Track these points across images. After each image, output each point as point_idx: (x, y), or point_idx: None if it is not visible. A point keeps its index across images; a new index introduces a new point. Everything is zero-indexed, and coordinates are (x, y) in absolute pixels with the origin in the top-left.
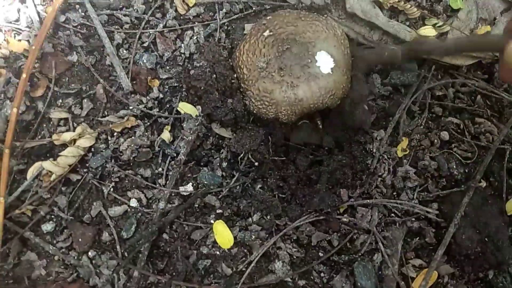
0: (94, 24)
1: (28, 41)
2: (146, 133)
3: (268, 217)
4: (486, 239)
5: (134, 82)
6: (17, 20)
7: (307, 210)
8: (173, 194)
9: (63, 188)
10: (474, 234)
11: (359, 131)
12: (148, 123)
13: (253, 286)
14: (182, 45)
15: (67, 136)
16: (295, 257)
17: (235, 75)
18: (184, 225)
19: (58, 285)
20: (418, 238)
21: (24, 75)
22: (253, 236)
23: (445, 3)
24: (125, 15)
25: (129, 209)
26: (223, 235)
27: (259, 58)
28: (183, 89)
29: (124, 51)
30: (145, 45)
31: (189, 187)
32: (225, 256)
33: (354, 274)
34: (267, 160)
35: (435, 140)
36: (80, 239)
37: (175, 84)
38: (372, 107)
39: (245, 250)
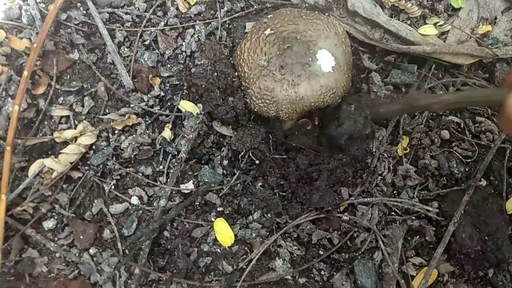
0: (95, 22)
1: (29, 39)
2: (147, 131)
3: (269, 215)
4: (486, 237)
5: (135, 80)
6: (19, 18)
7: (308, 208)
8: (174, 192)
9: (64, 186)
10: (474, 233)
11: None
12: (149, 121)
13: (254, 284)
14: (183, 43)
15: (69, 133)
16: (295, 255)
17: (236, 73)
18: (185, 223)
19: (59, 282)
20: (418, 236)
21: (25, 73)
22: (254, 234)
23: (446, 2)
24: (126, 13)
25: (130, 207)
26: (223, 233)
27: (260, 57)
28: (184, 87)
29: (126, 49)
30: (146, 43)
31: (190, 185)
32: (225, 254)
33: (354, 272)
34: (267, 158)
35: (436, 139)
36: (81, 236)
37: (176, 82)
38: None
39: (246, 248)
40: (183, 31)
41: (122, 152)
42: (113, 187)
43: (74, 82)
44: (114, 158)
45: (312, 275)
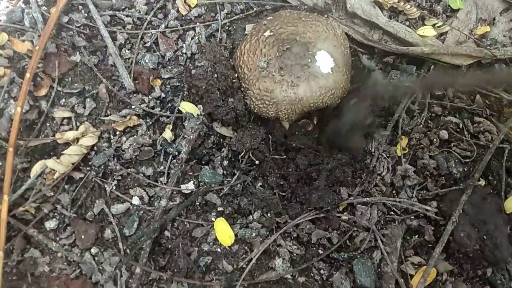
0: (97, 24)
1: (31, 41)
2: (148, 132)
3: (269, 214)
4: (484, 236)
5: (136, 81)
6: (21, 21)
7: (307, 208)
8: (174, 192)
9: (66, 186)
10: (473, 232)
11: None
12: (150, 122)
13: (254, 283)
14: (184, 45)
15: (70, 135)
16: (295, 254)
17: (236, 75)
18: (185, 223)
19: (61, 281)
20: (417, 236)
21: (27, 75)
22: (254, 234)
23: (444, 3)
24: (127, 16)
25: (131, 207)
26: (224, 232)
27: (259, 58)
28: (185, 89)
29: (127, 51)
30: (147, 45)
31: (191, 185)
32: (226, 253)
33: (354, 271)
34: (267, 158)
35: (435, 139)
36: (83, 236)
37: (177, 84)
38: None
39: (246, 247)
40: (183, 33)
41: (123, 153)
42: (114, 187)
43: (75, 84)
44: (115, 159)
45: (312, 274)
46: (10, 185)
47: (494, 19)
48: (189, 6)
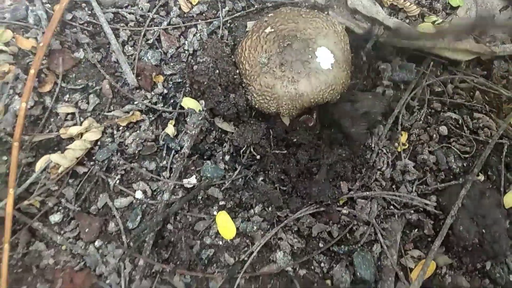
0: (100, 22)
1: (36, 38)
2: (151, 127)
3: (270, 208)
4: (483, 230)
5: (139, 78)
6: (25, 18)
7: (308, 202)
8: (177, 187)
9: (70, 180)
10: (472, 226)
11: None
12: (153, 118)
13: (255, 275)
14: (186, 42)
15: (74, 130)
16: (296, 248)
17: (237, 71)
18: (188, 216)
19: (65, 273)
20: (416, 230)
21: (32, 71)
22: (255, 227)
23: (444, 0)
24: (130, 13)
25: (134, 201)
26: (225, 226)
27: (260, 54)
28: (187, 85)
29: (129, 48)
30: (149, 42)
31: (193, 180)
32: (227, 246)
33: (354, 264)
34: (268, 153)
35: (434, 135)
36: (87, 230)
37: (179, 80)
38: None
39: (247, 241)
40: (185, 30)
41: (127, 147)
42: (117, 181)
43: (79, 80)
44: (118, 154)
45: (312, 267)
46: (15, 179)
47: (493, 16)
48: (191, 3)
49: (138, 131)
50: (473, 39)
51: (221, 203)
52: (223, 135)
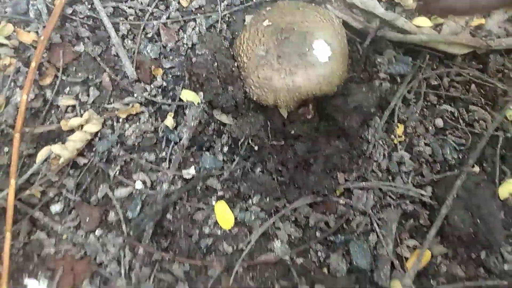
0: (100, 16)
1: (37, 32)
2: (150, 119)
3: (267, 199)
4: (478, 220)
5: (139, 71)
6: (26, 13)
7: (305, 192)
8: (176, 177)
9: (71, 171)
10: (467, 216)
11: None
12: (152, 110)
13: (253, 264)
14: (185, 35)
15: (75, 121)
16: (293, 237)
17: (235, 64)
18: (187, 206)
19: (66, 262)
20: (412, 220)
21: (33, 64)
22: (253, 217)
23: None
24: (129, 7)
25: (134, 191)
26: (224, 216)
27: (258, 47)
28: (186, 78)
29: (129, 41)
30: (149, 36)
31: (192, 171)
32: (226, 236)
33: (350, 253)
34: (266, 145)
35: (430, 127)
36: (87, 219)
37: (178, 73)
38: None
39: (245, 230)
40: (184, 24)
41: (126, 139)
42: (117, 172)
43: (79, 73)
44: (118, 145)
45: (309, 256)
46: (17, 170)
47: None
48: None
49: (137, 123)
50: (469, 33)
51: (220, 193)
52: (221, 127)
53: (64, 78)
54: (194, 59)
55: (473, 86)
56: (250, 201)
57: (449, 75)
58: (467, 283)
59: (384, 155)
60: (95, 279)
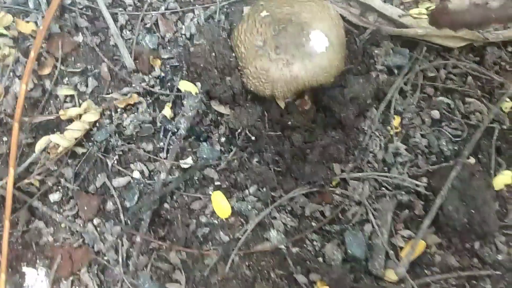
0: (99, 6)
1: (36, 22)
2: (148, 110)
3: (264, 189)
4: (472, 211)
5: (137, 61)
6: (26, 3)
7: (301, 182)
8: (173, 167)
9: (69, 161)
10: (461, 206)
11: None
12: (150, 100)
13: (249, 253)
14: (183, 26)
15: (73, 111)
16: (289, 226)
17: (233, 54)
18: (184, 196)
19: (64, 250)
20: (407, 210)
21: (32, 55)
22: (250, 207)
23: None
24: None
25: (132, 180)
26: (221, 205)
27: (256, 37)
28: (184, 68)
29: (128, 32)
30: (147, 26)
31: (189, 160)
32: (222, 225)
33: (345, 242)
34: (263, 135)
35: (426, 119)
36: (85, 208)
37: (176, 64)
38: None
39: (242, 220)
40: (183, 15)
41: (124, 129)
42: (115, 162)
43: (78, 64)
44: (116, 135)
45: (305, 245)
46: (16, 159)
47: (486, 3)
48: None
49: (135, 113)
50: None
51: (217, 183)
52: (219, 117)
53: (63, 68)
54: (192, 49)
55: (469, 78)
56: (247, 191)
57: (446, 67)
58: (461, 273)
59: (380, 146)
60: (93, 267)
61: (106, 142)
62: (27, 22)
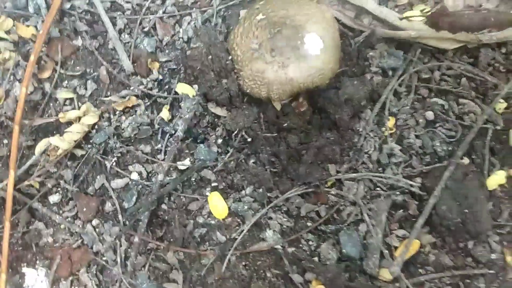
0: (97, 10)
1: (36, 26)
2: (146, 112)
3: (260, 189)
4: (466, 210)
5: (135, 64)
6: (26, 7)
7: (297, 183)
8: (171, 168)
9: (68, 163)
10: (455, 206)
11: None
12: (148, 103)
13: (246, 252)
14: (181, 30)
15: (72, 114)
16: (285, 227)
17: (229, 57)
18: (181, 197)
19: (64, 251)
20: (402, 210)
21: (32, 58)
22: (246, 207)
23: None
24: (127, 2)
25: (130, 182)
26: (218, 206)
27: (252, 40)
28: (181, 71)
29: (126, 35)
30: (145, 30)
31: (187, 162)
32: (219, 225)
33: (340, 242)
34: (259, 137)
35: (421, 120)
36: (84, 209)
37: (174, 67)
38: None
39: (239, 220)
40: (180, 18)
41: (123, 131)
42: (114, 163)
43: (77, 67)
44: (115, 137)
45: (301, 245)
46: (16, 161)
47: (480, 5)
48: None
49: (134, 116)
50: None
51: (214, 184)
52: (216, 119)
53: (62, 71)
54: (188, 52)
55: (464, 79)
56: (243, 191)
57: (440, 69)
58: (455, 272)
59: (375, 147)
60: (91, 268)
61: (105, 144)
62: (27, 26)
